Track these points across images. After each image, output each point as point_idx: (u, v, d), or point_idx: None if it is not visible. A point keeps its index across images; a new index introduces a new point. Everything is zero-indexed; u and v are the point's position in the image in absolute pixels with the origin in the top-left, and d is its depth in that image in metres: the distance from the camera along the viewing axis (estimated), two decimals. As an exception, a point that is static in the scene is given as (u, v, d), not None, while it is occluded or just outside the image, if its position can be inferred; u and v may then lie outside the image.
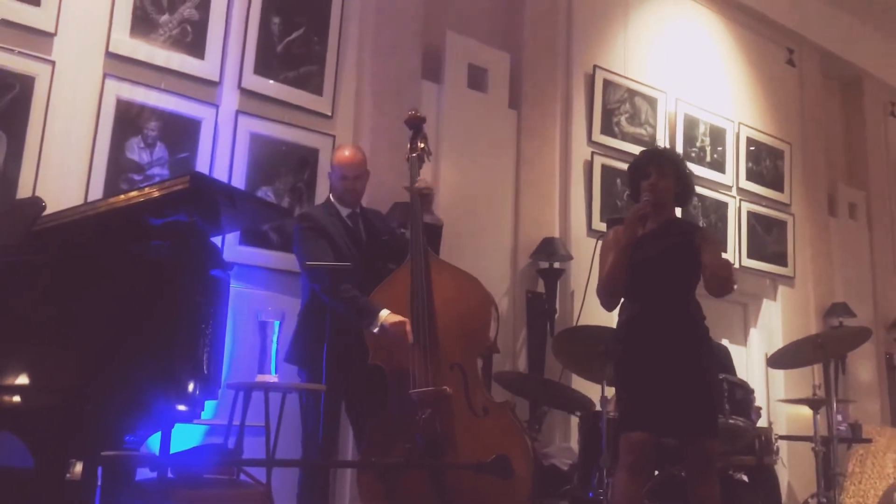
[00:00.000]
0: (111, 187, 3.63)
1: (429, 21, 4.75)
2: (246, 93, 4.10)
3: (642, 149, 3.47)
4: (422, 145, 3.59)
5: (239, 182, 3.99)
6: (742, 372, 5.36)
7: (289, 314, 3.45)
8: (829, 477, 4.30)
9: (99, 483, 2.11)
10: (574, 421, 4.41)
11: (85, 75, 3.67)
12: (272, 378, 3.24)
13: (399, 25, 4.58)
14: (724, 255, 3.19)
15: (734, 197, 6.13)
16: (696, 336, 3.03)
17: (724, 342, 5.20)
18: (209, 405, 2.74)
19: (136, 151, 3.76)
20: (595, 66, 5.42)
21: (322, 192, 4.07)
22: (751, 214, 6.19)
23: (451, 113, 4.72)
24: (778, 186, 6.45)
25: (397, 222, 4.02)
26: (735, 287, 3.08)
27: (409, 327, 3.27)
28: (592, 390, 3.89)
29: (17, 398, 2.02)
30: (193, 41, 3.96)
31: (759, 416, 4.11)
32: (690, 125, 5.94)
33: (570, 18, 5.40)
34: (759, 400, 4.44)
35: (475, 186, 4.76)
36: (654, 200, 3.05)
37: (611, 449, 3.38)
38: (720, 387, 3.56)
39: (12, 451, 2.11)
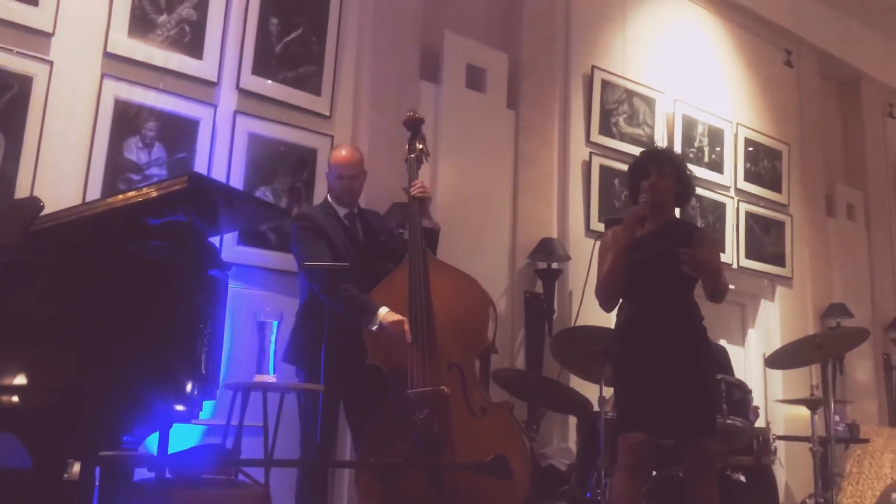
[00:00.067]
0: (109, 187, 3.63)
1: (427, 21, 4.75)
2: (244, 93, 4.10)
3: (640, 149, 3.47)
4: (420, 146, 3.59)
5: (237, 182, 3.99)
6: (740, 372, 5.36)
7: (287, 314, 3.45)
8: (827, 477, 4.31)
9: (97, 483, 2.11)
10: (572, 421, 4.41)
11: (83, 75, 3.66)
12: (270, 378, 3.24)
13: (397, 26, 4.58)
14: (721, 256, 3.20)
15: (732, 197, 6.13)
16: (694, 336, 3.03)
17: (722, 342, 5.21)
18: (207, 405, 2.73)
19: (134, 151, 3.76)
20: (593, 67, 5.42)
21: (320, 193, 4.07)
22: (749, 215, 6.20)
23: (450, 113, 4.72)
24: (776, 187, 6.46)
25: (395, 223, 4.02)
26: (730, 286, 3.09)
27: (407, 326, 3.27)
28: (590, 391, 3.89)
29: (14, 398, 2.02)
30: (191, 41, 3.96)
31: (757, 416, 4.12)
32: (689, 126, 5.94)
33: (568, 19, 5.40)
34: (757, 400, 4.44)
35: (473, 187, 4.76)
36: (652, 201, 3.05)
37: (609, 449, 3.38)
38: (718, 387, 3.56)
39: (10, 452, 2.10)
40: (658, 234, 3.08)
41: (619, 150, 5.42)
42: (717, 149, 6.10)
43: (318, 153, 4.23)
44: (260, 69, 4.16)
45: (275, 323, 3.29)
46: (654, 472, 3.44)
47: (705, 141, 6.03)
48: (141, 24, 3.82)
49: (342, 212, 3.58)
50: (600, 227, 5.03)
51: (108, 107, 3.70)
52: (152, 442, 2.37)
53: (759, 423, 4.39)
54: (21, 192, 3.43)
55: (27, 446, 2.03)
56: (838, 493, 4.89)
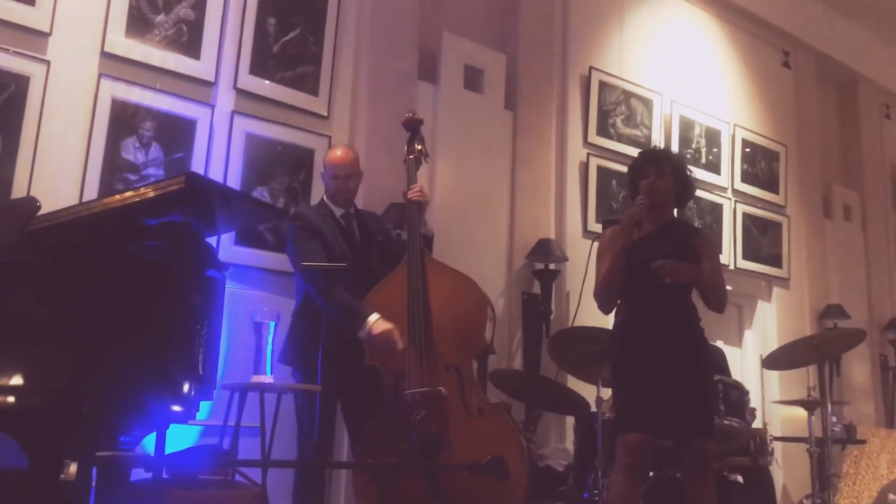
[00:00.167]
0: (106, 187, 3.62)
1: (425, 22, 4.75)
2: (241, 93, 4.10)
3: (638, 150, 3.48)
4: (419, 147, 3.59)
5: (234, 182, 3.98)
6: (737, 373, 5.37)
7: (284, 315, 3.45)
8: (824, 478, 4.31)
9: (94, 484, 2.11)
10: (569, 422, 4.42)
11: (80, 75, 3.66)
12: (267, 379, 3.24)
13: (395, 26, 4.58)
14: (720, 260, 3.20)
15: (729, 198, 6.14)
16: (692, 337, 3.03)
17: (719, 343, 5.21)
18: (204, 406, 2.73)
19: (131, 151, 3.75)
20: (591, 68, 5.42)
21: (318, 193, 4.07)
22: (746, 216, 6.20)
23: (447, 114, 4.72)
24: (773, 188, 6.47)
25: (393, 223, 4.02)
26: (728, 288, 3.09)
27: (396, 335, 3.25)
28: (588, 391, 3.89)
29: (11, 398, 2.02)
30: (189, 41, 3.95)
31: (753, 417, 4.12)
32: (686, 127, 5.94)
33: (566, 20, 5.40)
34: (754, 401, 4.44)
35: (471, 187, 4.76)
36: (650, 202, 3.05)
37: (606, 450, 3.38)
38: (716, 388, 3.56)
39: (6, 452, 2.10)
40: (657, 235, 3.08)
41: (617, 151, 5.42)
42: (715, 150, 6.11)
43: (316, 153, 4.23)
44: (257, 69, 4.15)
45: (272, 323, 3.28)
46: (651, 473, 3.44)
47: (702, 142, 6.04)
48: (138, 23, 3.82)
49: (338, 212, 3.58)
50: (598, 227, 5.03)
51: (106, 107, 3.69)
52: (149, 442, 2.36)
53: (757, 424, 4.39)
54: (18, 192, 3.42)
55: (24, 447, 2.03)
56: (835, 494, 4.89)
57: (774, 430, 5.44)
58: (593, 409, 3.67)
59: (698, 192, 5.67)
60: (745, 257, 6.12)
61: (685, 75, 6.02)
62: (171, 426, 2.31)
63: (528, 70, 5.13)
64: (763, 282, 6.33)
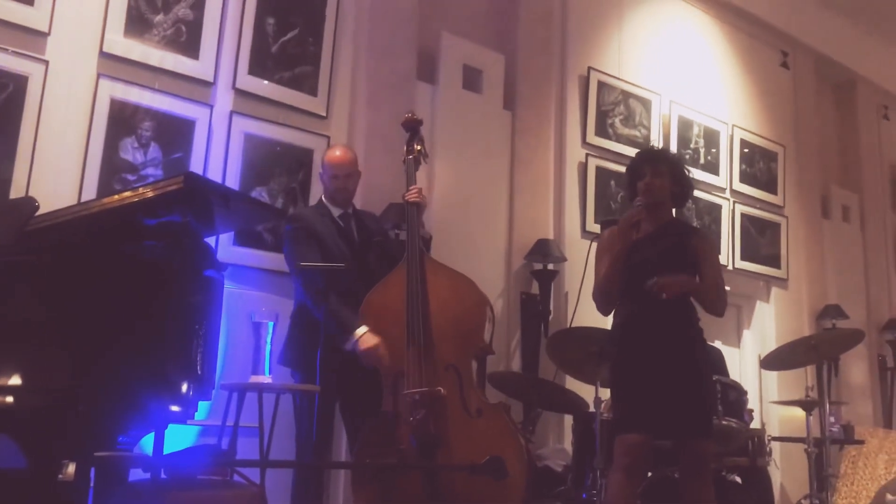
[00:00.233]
0: (105, 187, 3.62)
1: (424, 22, 4.75)
2: (240, 93, 4.10)
3: (636, 151, 3.47)
4: (418, 148, 3.59)
5: (233, 182, 3.98)
6: (735, 374, 5.38)
7: (283, 315, 3.44)
8: (822, 478, 4.32)
9: (92, 484, 2.11)
10: (568, 422, 4.42)
11: (79, 75, 3.65)
12: (266, 379, 3.24)
13: (394, 26, 4.58)
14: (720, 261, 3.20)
15: (728, 199, 6.14)
16: (690, 338, 3.04)
17: (718, 344, 5.22)
18: (203, 406, 2.73)
19: (129, 151, 3.75)
20: (589, 68, 5.43)
21: (317, 193, 4.06)
22: (744, 216, 6.21)
23: (446, 114, 4.72)
24: (771, 189, 6.47)
25: (391, 224, 4.02)
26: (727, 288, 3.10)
27: (382, 350, 3.25)
28: (586, 392, 3.89)
29: (9, 398, 2.01)
30: (188, 41, 3.95)
31: (751, 418, 4.12)
32: (684, 127, 5.95)
33: (564, 20, 5.40)
34: (752, 401, 4.45)
35: (469, 187, 4.76)
36: (647, 202, 3.05)
37: (604, 450, 3.38)
38: (714, 388, 3.57)
39: (4, 452, 2.10)
40: (656, 236, 3.08)
41: (616, 152, 5.42)
42: (713, 150, 6.11)
43: (315, 154, 4.22)
44: (256, 69, 4.15)
45: (270, 323, 3.28)
46: (649, 473, 3.44)
47: (701, 142, 6.04)
48: (137, 23, 3.82)
49: (336, 212, 3.58)
50: (596, 228, 5.04)
51: (104, 107, 3.69)
52: (147, 442, 2.36)
53: (755, 425, 4.40)
54: (16, 192, 3.42)
55: (22, 447, 2.03)
56: (833, 494, 4.90)
57: (773, 430, 5.45)
58: (591, 409, 3.67)
59: (697, 193, 5.69)
60: (743, 258, 6.12)
61: (684, 76, 6.03)
62: (170, 426, 2.32)
63: (527, 70, 5.13)
64: (761, 282, 6.34)
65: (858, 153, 7.42)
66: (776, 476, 5.29)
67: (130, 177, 3.73)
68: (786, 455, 5.48)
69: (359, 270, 3.47)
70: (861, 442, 5.37)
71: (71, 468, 2.06)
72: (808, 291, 6.55)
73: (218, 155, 3.98)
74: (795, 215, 6.59)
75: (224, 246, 3.85)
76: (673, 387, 2.91)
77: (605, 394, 3.49)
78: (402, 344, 3.26)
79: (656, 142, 5.64)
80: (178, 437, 3.37)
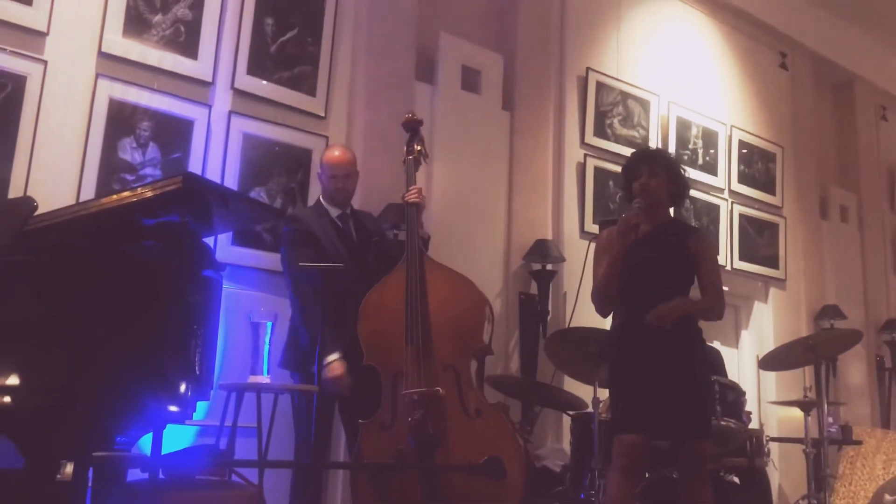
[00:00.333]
0: (103, 187, 3.62)
1: (422, 22, 4.75)
2: (239, 93, 4.10)
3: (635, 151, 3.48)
4: (418, 148, 3.59)
5: (231, 183, 3.98)
6: (733, 374, 5.38)
7: (281, 315, 3.44)
8: (820, 478, 4.32)
9: (90, 484, 2.11)
10: (566, 422, 4.42)
11: (77, 75, 3.65)
12: (264, 379, 3.24)
13: (393, 26, 4.58)
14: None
15: (726, 199, 6.15)
16: (689, 338, 3.04)
17: (716, 344, 5.22)
18: (201, 406, 2.72)
19: (128, 151, 3.75)
20: (588, 69, 5.43)
21: (315, 193, 4.06)
22: (743, 217, 6.21)
23: (445, 114, 4.73)
24: (770, 189, 6.48)
25: (390, 224, 4.02)
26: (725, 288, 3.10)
27: (344, 385, 3.27)
28: (585, 392, 3.89)
29: (7, 398, 2.01)
30: (186, 41, 3.95)
31: (749, 420, 4.12)
32: (683, 128, 5.95)
33: (563, 20, 5.41)
34: (751, 401, 4.46)
35: (468, 188, 4.76)
36: (644, 202, 3.05)
37: (603, 450, 3.38)
38: (712, 389, 3.57)
39: (2, 452, 2.10)
40: (654, 235, 3.07)
41: (614, 152, 5.42)
42: (711, 151, 6.12)
43: (313, 154, 4.22)
44: (255, 69, 4.15)
45: (269, 324, 3.28)
46: (647, 474, 3.44)
47: (699, 143, 6.05)
48: (136, 23, 3.82)
49: (335, 212, 3.58)
50: (595, 228, 5.04)
51: (103, 106, 3.68)
52: (146, 443, 2.36)
53: (753, 425, 4.40)
54: (15, 191, 3.41)
55: (20, 447, 2.02)
56: (831, 495, 4.90)
57: (771, 430, 5.45)
58: (590, 409, 3.67)
59: (695, 193, 5.71)
60: (741, 258, 6.13)
61: (682, 76, 6.03)
62: (168, 426, 2.31)
63: (526, 71, 5.13)
64: (760, 283, 6.35)
65: (857, 154, 7.43)
66: (774, 476, 5.30)
67: (129, 177, 3.73)
68: (784, 455, 5.49)
69: (358, 271, 3.47)
70: (859, 442, 5.38)
71: (69, 468, 2.06)
72: (806, 292, 6.55)
73: (216, 155, 3.98)
74: (794, 216, 6.60)
75: (223, 246, 3.85)
76: (672, 387, 2.92)
77: (604, 394, 3.49)
78: (401, 344, 3.26)
79: (655, 142, 5.64)
80: (177, 438, 3.37)
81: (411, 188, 3.51)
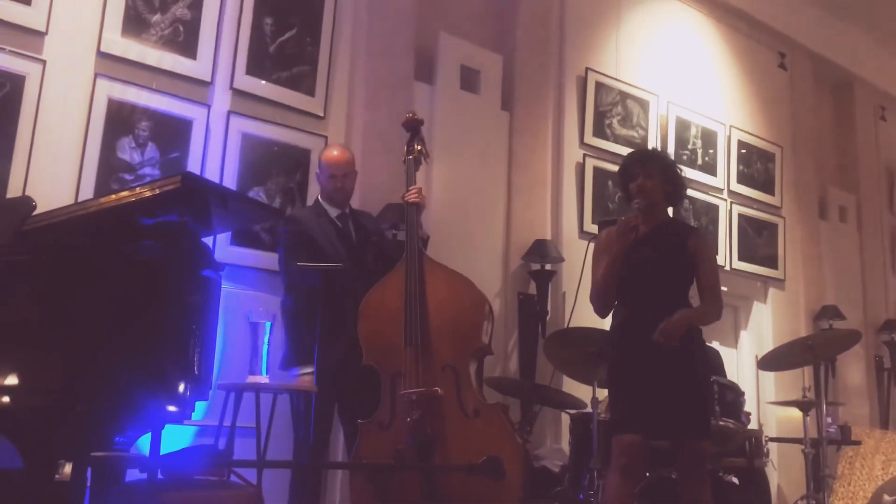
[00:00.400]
0: (102, 187, 3.62)
1: (421, 22, 4.75)
2: (238, 93, 4.10)
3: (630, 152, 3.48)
4: (419, 148, 3.59)
5: (230, 182, 3.98)
6: (732, 374, 5.38)
7: (280, 315, 3.44)
8: (819, 479, 4.32)
9: (88, 484, 2.10)
10: (565, 422, 4.42)
11: (76, 75, 3.65)
12: (263, 379, 3.24)
13: (392, 26, 4.57)
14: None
15: (725, 199, 6.15)
16: (688, 339, 3.03)
17: (715, 344, 5.22)
18: (200, 406, 2.72)
19: (127, 151, 3.74)
20: (587, 69, 5.43)
21: (314, 193, 4.06)
22: (742, 217, 6.21)
23: (444, 114, 4.73)
24: (769, 189, 6.48)
25: (389, 224, 4.02)
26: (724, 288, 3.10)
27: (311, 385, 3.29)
28: (584, 392, 3.89)
29: (6, 398, 2.01)
30: (185, 41, 3.95)
31: (748, 420, 4.12)
32: (682, 128, 5.95)
33: (562, 21, 5.41)
34: (750, 402, 4.46)
35: (467, 188, 4.76)
36: (642, 203, 3.05)
37: (602, 450, 3.38)
38: (711, 389, 3.57)
39: (2, 453, 2.09)
40: (653, 235, 3.07)
41: (613, 152, 5.42)
42: (711, 151, 6.12)
43: (312, 154, 4.22)
44: (254, 69, 4.15)
45: (268, 323, 3.28)
46: (647, 474, 3.44)
47: (698, 143, 6.05)
48: (134, 23, 3.81)
49: (333, 212, 3.58)
50: (594, 228, 5.04)
51: (102, 106, 3.68)
52: (144, 443, 2.36)
53: (752, 425, 4.40)
54: (13, 191, 3.41)
55: (18, 447, 2.02)
56: (830, 495, 4.90)
57: (770, 430, 5.46)
58: (589, 409, 3.67)
59: (694, 193, 5.72)
60: (740, 258, 6.13)
61: (681, 77, 6.03)
62: (167, 426, 2.31)
63: (525, 71, 5.13)
64: (759, 283, 6.35)
65: (856, 154, 7.43)
66: (773, 477, 5.30)
67: (128, 176, 3.73)
68: (783, 456, 5.49)
69: (357, 271, 3.46)
70: (858, 443, 5.38)
71: (67, 468, 2.05)
72: (805, 292, 6.55)
73: (215, 155, 3.98)
74: (792, 216, 6.60)
75: (221, 246, 3.85)
76: (671, 387, 2.92)
77: (603, 394, 3.49)
78: (400, 344, 3.26)
79: (654, 142, 5.64)
80: (175, 438, 3.37)
81: (411, 188, 3.51)
